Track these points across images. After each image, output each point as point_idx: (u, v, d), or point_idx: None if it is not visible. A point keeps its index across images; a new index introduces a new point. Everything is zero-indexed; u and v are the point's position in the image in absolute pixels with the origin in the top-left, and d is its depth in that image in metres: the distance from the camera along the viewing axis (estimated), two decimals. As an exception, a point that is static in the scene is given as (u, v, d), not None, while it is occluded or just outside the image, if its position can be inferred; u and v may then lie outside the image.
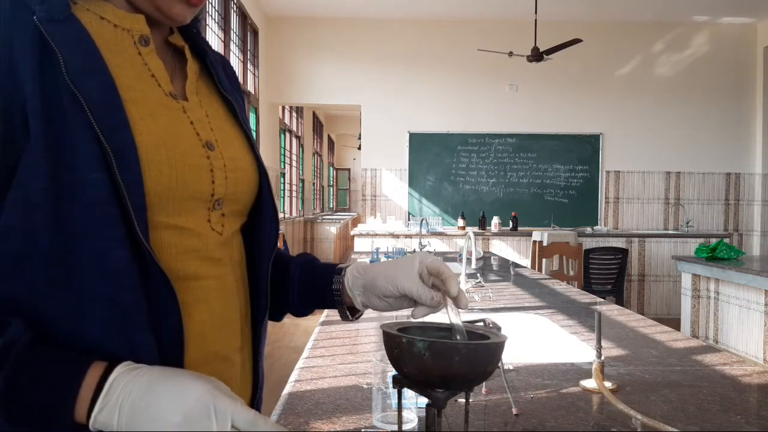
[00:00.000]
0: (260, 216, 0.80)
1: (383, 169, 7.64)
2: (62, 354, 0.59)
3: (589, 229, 6.86)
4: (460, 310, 0.76)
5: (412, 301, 0.78)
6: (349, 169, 18.76)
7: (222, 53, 5.42)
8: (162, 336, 0.64)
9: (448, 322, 0.76)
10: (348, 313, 0.85)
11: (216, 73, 0.80)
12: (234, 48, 6.28)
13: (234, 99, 0.81)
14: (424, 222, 5.91)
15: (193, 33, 0.80)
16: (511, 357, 1.39)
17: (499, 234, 6.46)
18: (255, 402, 0.81)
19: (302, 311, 0.89)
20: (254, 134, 7.23)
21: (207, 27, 5.31)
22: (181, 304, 0.65)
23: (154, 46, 0.72)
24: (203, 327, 0.69)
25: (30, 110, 0.59)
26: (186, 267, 0.68)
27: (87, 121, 0.60)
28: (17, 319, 0.59)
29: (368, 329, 1.81)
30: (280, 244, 0.96)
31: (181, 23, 0.73)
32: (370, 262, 3.57)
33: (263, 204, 0.80)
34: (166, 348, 0.64)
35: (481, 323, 0.81)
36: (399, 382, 0.75)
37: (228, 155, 0.74)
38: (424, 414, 0.74)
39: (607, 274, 5.69)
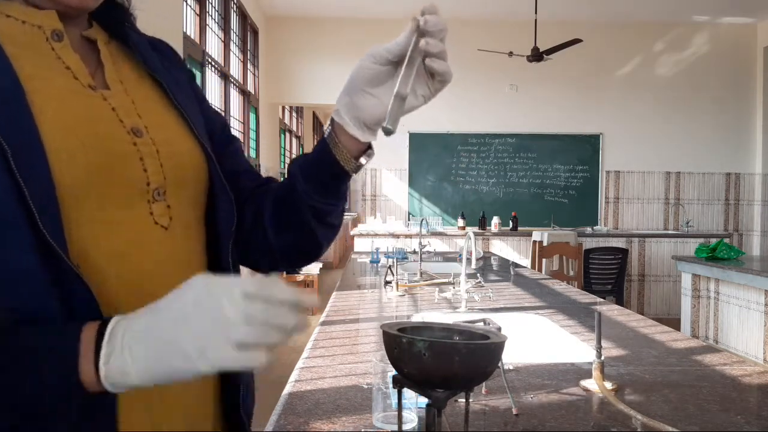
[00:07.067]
0: (214, 200, 0.76)
1: (383, 169, 7.63)
2: (45, 326, 0.55)
3: (589, 229, 6.85)
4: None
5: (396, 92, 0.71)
6: (349, 169, 18.72)
7: (221, 53, 5.31)
8: None
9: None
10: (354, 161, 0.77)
11: (141, 53, 0.75)
12: (234, 48, 6.28)
13: (171, 77, 0.76)
14: (424, 222, 5.89)
15: (126, 27, 0.75)
16: (511, 357, 1.39)
17: (499, 234, 6.46)
18: (230, 395, 0.75)
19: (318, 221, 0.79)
20: (254, 134, 7.11)
21: (207, 27, 5.30)
22: (103, 307, 0.59)
23: (69, 41, 0.68)
24: None
25: None
26: (120, 266, 0.63)
27: None
28: None
29: (368, 329, 1.81)
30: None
31: (85, 11, 0.69)
32: (370, 262, 3.54)
33: (215, 187, 0.75)
34: None
35: (481, 323, 0.81)
36: (399, 382, 0.75)
37: (161, 140, 0.69)
38: (424, 414, 0.74)
39: (607, 274, 5.69)
